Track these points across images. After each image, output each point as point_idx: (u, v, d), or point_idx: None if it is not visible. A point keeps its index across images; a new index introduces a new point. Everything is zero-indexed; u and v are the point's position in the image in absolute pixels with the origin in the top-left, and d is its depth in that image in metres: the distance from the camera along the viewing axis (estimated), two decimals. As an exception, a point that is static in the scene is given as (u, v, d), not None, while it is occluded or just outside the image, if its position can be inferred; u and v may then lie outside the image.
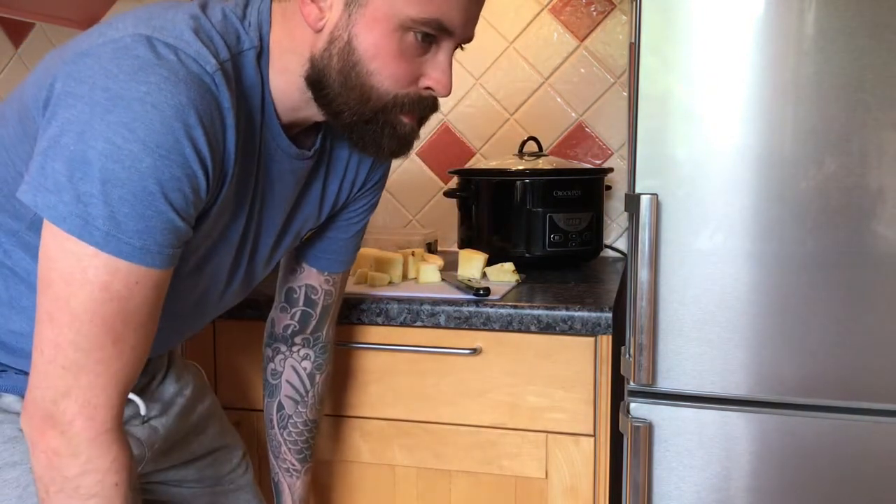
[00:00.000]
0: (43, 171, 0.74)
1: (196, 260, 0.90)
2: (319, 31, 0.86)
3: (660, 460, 1.20)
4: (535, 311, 1.27)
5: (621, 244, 1.90)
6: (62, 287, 0.75)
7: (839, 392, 1.14)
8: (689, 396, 1.19)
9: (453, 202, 1.74)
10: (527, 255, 1.61)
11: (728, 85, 1.13)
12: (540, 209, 1.59)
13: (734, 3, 1.12)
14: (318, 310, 1.18)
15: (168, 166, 0.74)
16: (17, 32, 2.17)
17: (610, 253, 1.89)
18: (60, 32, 2.13)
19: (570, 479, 1.31)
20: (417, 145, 1.95)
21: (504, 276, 1.48)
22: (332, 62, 0.85)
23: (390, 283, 1.45)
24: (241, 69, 0.85)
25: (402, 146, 0.92)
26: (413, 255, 1.52)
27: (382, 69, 0.85)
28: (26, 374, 0.85)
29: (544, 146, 1.84)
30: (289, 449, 1.24)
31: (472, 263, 1.49)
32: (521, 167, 1.62)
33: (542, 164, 1.64)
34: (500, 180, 1.63)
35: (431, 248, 1.81)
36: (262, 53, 0.88)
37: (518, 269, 1.50)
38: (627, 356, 1.20)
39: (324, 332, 1.21)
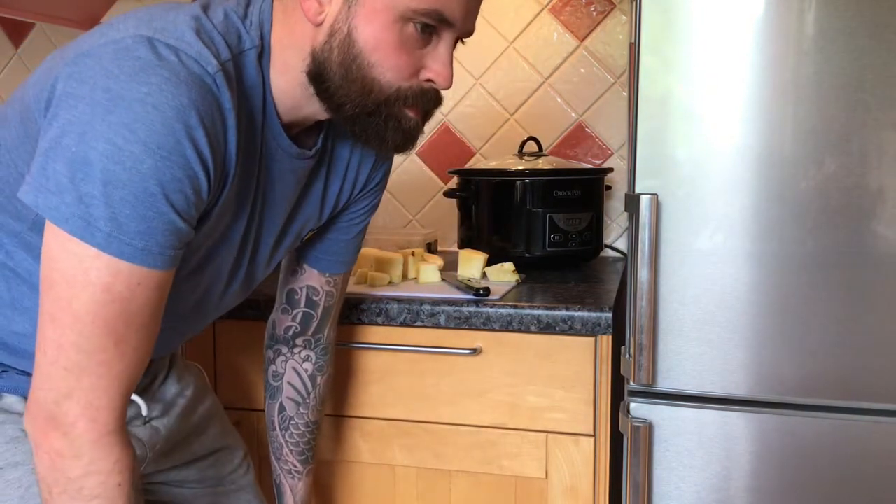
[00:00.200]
0: (44, 172, 0.74)
1: (197, 260, 0.90)
2: (319, 24, 0.85)
3: (660, 460, 1.20)
4: (535, 311, 1.27)
5: (621, 244, 1.90)
6: (64, 288, 0.75)
7: (839, 392, 1.14)
8: (689, 396, 1.19)
9: (453, 202, 1.74)
10: (527, 255, 1.61)
11: (728, 85, 1.13)
12: (540, 209, 1.59)
13: (734, 3, 1.12)
14: (320, 311, 1.18)
15: (169, 167, 0.74)
16: (17, 32, 2.17)
17: (610, 253, 1.89)
18: (60, 32, 2.13)
19: (570, 479, 1.31)
20: (418, 144, 1.96)
21: (504, 276, 1.48)
22: (333, 55, 0.85)
23: (390, 283, 1.45)
24: (243, 69, 0.85)
25: (407, 140, 0.92)
26: (413, 255, 1.52)
27: (383, 61, 0.85)
28: (28, 374, 0.85)
29: (544, 146, 1.84)
30: (290, 450, 1.24)
31: (472, 263, 1.49)
32: (521, 167, 1.62)
33: (542, 164, 1.64)
34: (500, 180, 1.63)
35: (431, 248, 1.81)
36: (263, 53, 0.87)
37: (518, 269, 1.50)
38: (627, 356, 1.20)
39: (325, 334, 1.21)
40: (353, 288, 1.39)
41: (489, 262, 1.51)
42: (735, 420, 1.17)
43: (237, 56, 0.84)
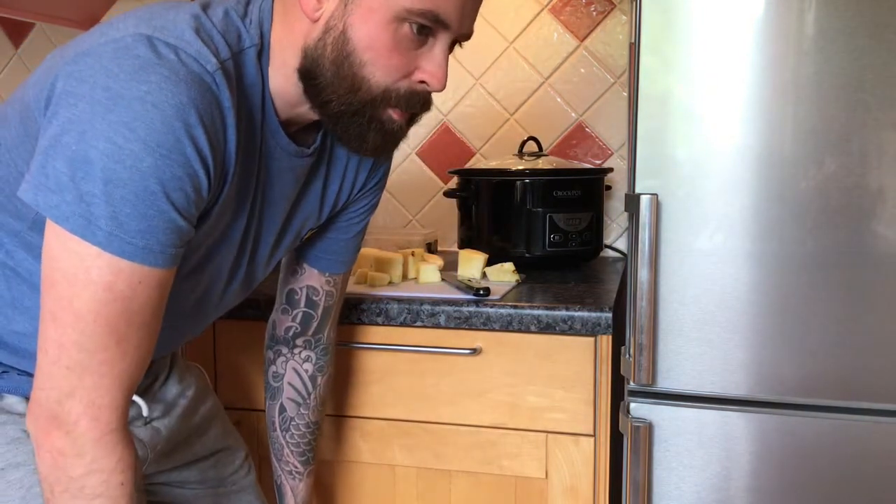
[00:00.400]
0: (44, 171, 0.74)
1: (197, 259, 0.90)
2: (316, 21, 0.85)
3: (660, 460, 1.20)
4: (535, 311, 1.27)
5: (621, 244, 1.90)
6: (65, 287, 0.75)
7: (839, 392, 1.14)
8: (689, 396, 1.19)
9: (453, 202, 1.74)
10: (527, 255, 1.61)
11: (728, 85, 1.13)
12: (540, 209, 1.59)
13: (734, 3, 1.12)
14: (320, 311, 1.18)
15: (169, 166, 0.74)
16: (17, 32, 2.17)
17: (610, 253, 1.89)
18: (60, 32, 2.13)
19: (570, 479, 1.31)
20: (417, 145, 1.96)
21: (504, 276, 1.48)
22: (326, 51, 0.85)
23: (390, 283, 1.45)
24: (242, 67, 0.85)
25: (387, 143, 0.91)
26: (413, 255, 1.52)
27: (376, 60, 0.84)
28: (29, 375, 0.86)
29: (544, 146, 1.84)
30: (291, 451, 1.24)
31: (472, 263, 1.49)
32: (521, 167, 1.62)
33: (542, 164, 1.64)
34: (500, 180, 1.63)
35: (431, 248, 1.81)
36: (262, 51, 0.87)
37: (518, 269, 1.50)
38: (627, 356, 1.20)
39: (325, 334, 1.21)
40: (353, 288, 1.39)
41: (489, 262, 1.51)
42: (735, 420, 1.17)
43: (237, 54, 0.84)
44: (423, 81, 0.87)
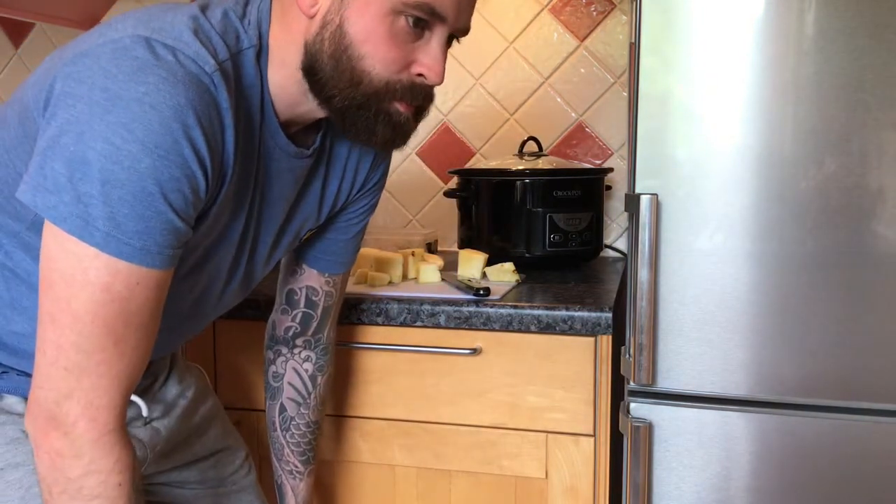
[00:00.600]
0: (42, 171, 0.74)
1: (195, 259, 0.90)
2: (313, 17, 0.85)
3: (660, 460, 1.20)
4: (535, 311, 1.27)
5: (621, 244, 1.90)
6: (63, 288, 0.75)
7: (839, 392, 1.14)
8: (689, 396, 1.19)
9: (453, 202, 1.74)
10: (527, 255, 1.61)
11: (728, 85, 1.13)
12: (540, 209, 1.59)
13: (734, 3, 1.12)
14: (319, 311, 1.18)
15: (167, 167, 0.74)
16: (17, 32, 2.17)
17: (610, 253, 1.89)
18: (60, 32, 2.13)
19: (570, 479, 1.31)
20: (417, 145, 1.96)
21: (504, 276, 1.48)
22: (324, 46, 0.85)
23: (390, 283, 1.45)
24: (241, 68, 0.85)
25: (397, 135, 0.91)
26: (413, 255, 1.52)
27: (373, 53, 0.84)
28: (29, 375, 0.85)
29: (544, 146, 1.84)
30: (291, 451, 1.24)
31: (472, 263, 1.49)
32: (521, 167, 1.62)
33: (542, 164, 1.64)
34: (500, 180, 1.63)
35: (431, 248, 1.81)
36: (261, 52, 0.88)
37: (518, 269, 1.50)
38: (627, 356, 1.20)
39: (325, 334, 1.21)
40: (353, 288, 1.39)
41: (489, 262, 1.51)
42: (735, 420, 1.17)
43: (235, 55, 0.84)
44: (420, 75, 0.87)
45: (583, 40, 1.87)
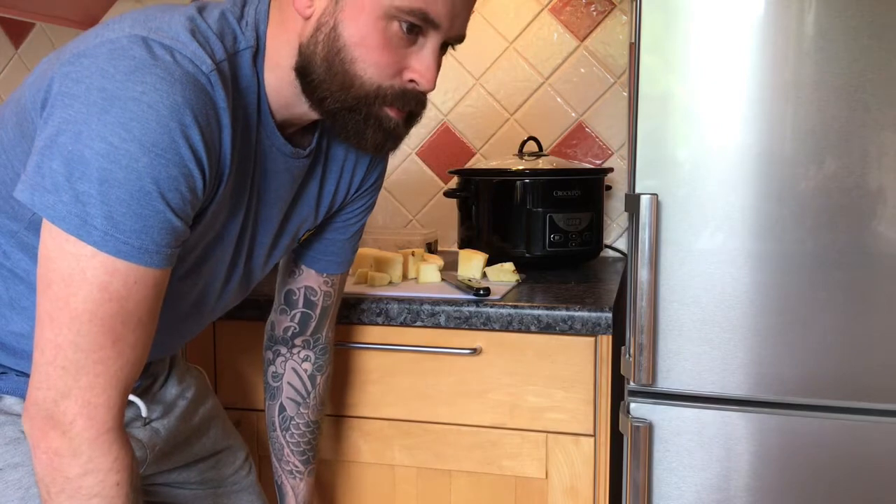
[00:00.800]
0: (40, 171, 0.74)
1: (194, 259, 0.90)
2: (308, 18, 0.86)
3: (660, 460, 1.20)
4: (535, 311, 1.27)
5: (621, 244, 1.90)
6: (61, 287, 0.75)
7: (839, 392, 1.14)
8: (689, 396, 1.19)
9: (453, 202, 1.74)
10: (527, 255, 1.61)
11: (728, 85, 1.13)
12: (540, 209, 1.59)
13: (734, 3, 1.12)
14: (318, 311, 1.18)
15: (164, 166, 0.75)
16: (17, 32, 2.17)
17: (610, 253, 1.89)
18: (60, 32, 2.13)
19: (570, 479, 1.31)
20: (417, 145, 1.96)
21: (504, 276, 1.48)
22: (318, 48, 0.85)
23: (390, 283, 1.45)
24: (238, 69, 0.85)
25: (388, 140, 0.91)
26: (413, 255, 1.52)
27: (366, 57, 0.84)
28: (28, 375, 0.85)
29: (544, 146, 1.84)
30: (291, 451, 1.24)
31: (472, 263, 1.49)
32: (521, 167, 1.62)
33: (542, 164, 1.64)
34: (500, 180, 1.63)
35: (431, 248, 1.81)
36: (258, 53, 0.88)
37: (518, 269, 1.50)
38: (627, 356, 1.20)
39: (323, 334, 1.21)
40: (352, 288, 1.39)
41: (489, 262, 1.51)
42: (735, 420, 1.17)
43: (232, 56, 0.84)
44: (412, 81, 0.87)
45: (583, 40, 1.87)
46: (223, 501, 1.20)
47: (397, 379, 1.36)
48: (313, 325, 1.19)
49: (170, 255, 0.79)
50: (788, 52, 1.11)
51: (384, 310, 1.32)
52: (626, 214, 1.77)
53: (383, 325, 1.33)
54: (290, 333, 1.20)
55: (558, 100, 1.90)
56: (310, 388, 1.23)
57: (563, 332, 1.27)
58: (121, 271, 0.75)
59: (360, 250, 1.47)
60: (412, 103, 0.89)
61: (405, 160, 1.98)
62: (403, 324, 1.32)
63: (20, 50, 2.17)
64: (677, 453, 1.19)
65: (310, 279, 1.16)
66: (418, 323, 1.31)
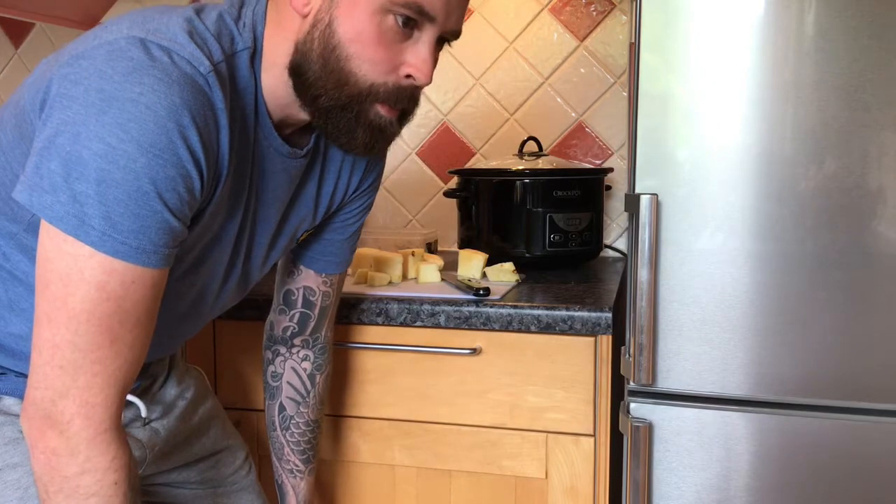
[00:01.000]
0: (38, 171, 0.74)
1: (192, 259, 0.90)
2: (305, 16, 0.85)
3: (660, 460, 1.20)
4: (535, 311, 1.27)
5: (621, 244, 1.90)
6: (59, 287, 0.75)
7: (839, 392, 1.14)
8: (689, 396, 1.19)
9: (453, 202, 1.74)
10: (527, 255, 1.61)
11: (728, 85, 1.13)
12: (540, 209, 1.59)
13: (734, 3, 1.12)
14: (317, 311, 1.18)
15: (162, 166, 0.75)
16: (17, 32, 2.17)
17: (610, 253, 1.89)
18: (60, 32, 2.13)
19: (570, 479, 1.31)
20: (417, 145, 1.96)
21: (504, 276, 1.48)
22: (314, 46, 0.85)
23: (390, 283, 1.45)
24: (235, 70, 0.85)
25: (378, 139, 0.90)
26: (413, 255, 1.52)
27: (361, 53, 0.84)
28: (27, 376, 0.85)
29: (544, 146, 1.84)
30: (292, 450, 1.24)
31: (472, 263, 1.49)
32: (521, 167, 1.62)
33: (542, 164, 1.64)
34: (500, 180, 1.62)
35: (431, 248, 1.81)
36: (255, 54, 0.88)
37: (518, 269, 1.50)
38: (627, 356, 1.20)
39: (322, 333, 1.21)
40: (352, 288, 1.39)
41: (489, 262, 1.51)
42: (735, 420, 1.17)
43: (230, 57, 0.84)
44: (409, 76, 0.87)
45: (583, 40, 1.87)
46: (223, 501, 1.20)
47: (397, 379, 1.36)
48: (312, 324, 1.19)
49: (167, 256, 0.79)
50: (788, 52, 1.11)
51: (384, 310, 1.32)
52: (626, 214, 1.77)
53: (383, 325, 1.33)
54: (289, 333, 1.20)
55: (558, 100, 1.90)
56: (309, 387, 1.23)
57: (563, 332, 1.27)
58: (118, 271, 0.75)
59: (360, 250, 1.47)
60: (405, 101, 0.89)
61: (405, 160, 1.98)
62: (403, 324, 1.32)
63: (20, 50, 2.17)
64: (677, 453, 1.19)
65: (308, 279, 1.16)
66: (418, 323, 1.31)
